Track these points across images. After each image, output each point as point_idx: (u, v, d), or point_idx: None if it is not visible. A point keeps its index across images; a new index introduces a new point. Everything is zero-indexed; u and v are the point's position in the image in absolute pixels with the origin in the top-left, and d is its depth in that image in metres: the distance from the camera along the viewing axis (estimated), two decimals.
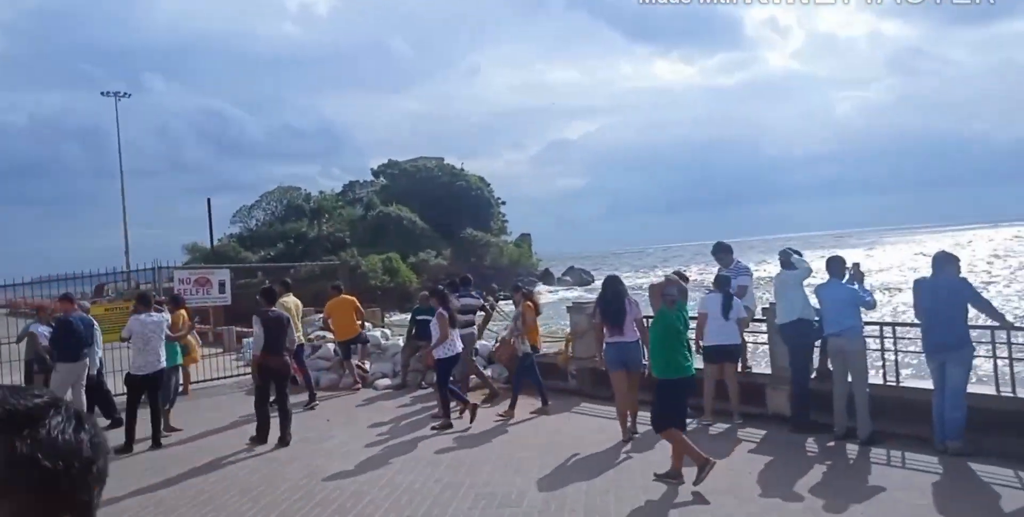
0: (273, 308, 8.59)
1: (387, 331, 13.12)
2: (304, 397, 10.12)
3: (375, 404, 10.24)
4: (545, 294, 60.21)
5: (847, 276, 7.24)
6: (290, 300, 10.54)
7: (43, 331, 9.39)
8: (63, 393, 8.73)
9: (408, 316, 13.06)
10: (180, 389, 10.61)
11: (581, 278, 76.87)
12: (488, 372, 10.50)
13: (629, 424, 7.38)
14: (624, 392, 7.35)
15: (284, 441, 8.05)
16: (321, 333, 12.19)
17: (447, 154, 73.15)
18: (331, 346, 11.94)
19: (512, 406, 8.77)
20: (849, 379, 6.84)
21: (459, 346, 8.85)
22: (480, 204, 69.56)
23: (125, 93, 49.29)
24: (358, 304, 11.67)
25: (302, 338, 10.39)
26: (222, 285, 12.67)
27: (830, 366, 7.34)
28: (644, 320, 7.79)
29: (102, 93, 48.94)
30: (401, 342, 11.84)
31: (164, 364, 8.49)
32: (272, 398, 8.37)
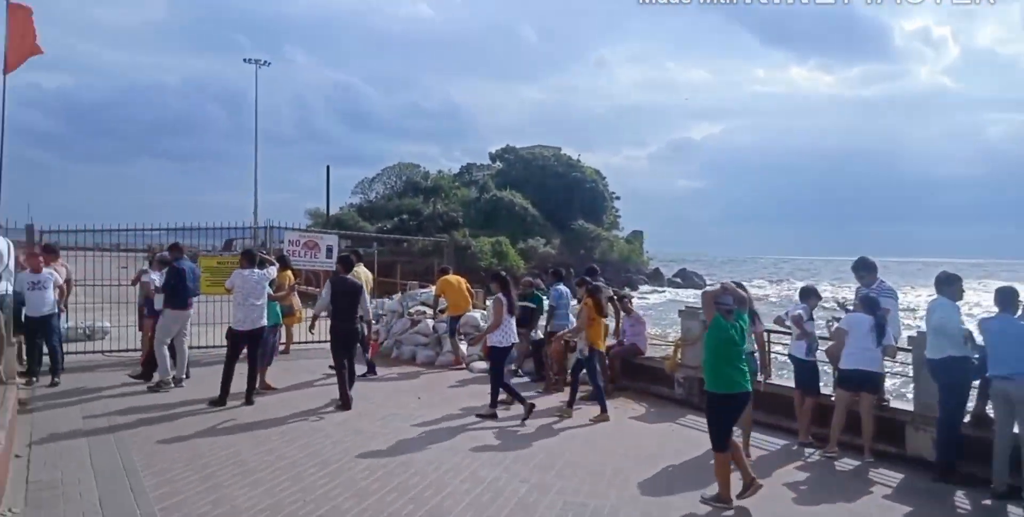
0: (349, 276, 8.64)
1: (487, 313, 12.72)
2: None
3: (468, 387, 9.86)
4: (641, 295, 59.20)
5: (1020, 311, 6.19)
6: (361, 271, 10.55)
7: (154, 277, 9.53)
8: (167, 338, 8.82)
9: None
10: (280, 348, 10.62)
11: (693, 281, 74.63)
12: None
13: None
14: None
15: (345, 404, 8.19)
16: (421, 308, 11.94)
17: (565, 145, 72.34)
18: (430, 322, 11.67)
19: (569, 404, 8.33)
20: (1016, 430, 5.82)
21: (515, 336, 8.45)
22: (594, 197, 68.58)
23: (265, 61, 51.52)
24: (467, 285, 11.41)
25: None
26: (330, 250, 12.64)
27: (990, 412, 6.30)
28: (765, 335, 7.42)
29: (244, 60, 51.26)
30: None
31: (265, 322, 8.40)
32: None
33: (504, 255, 53.07)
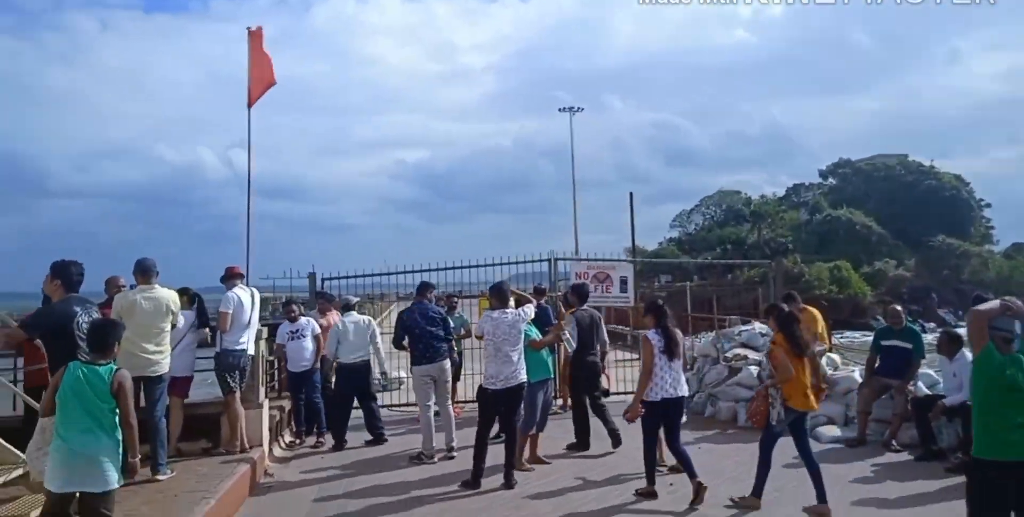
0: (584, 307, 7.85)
1: (835, 357, 9.44)
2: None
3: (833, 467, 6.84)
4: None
5: None
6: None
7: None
8: (426, 400, 7.41)
9: (869, 338, 9.34)
10: (555, 407, 8.67)
11: None
12: None
13: None
14: None
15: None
16: (742, 351, 9.16)
17: (913, 153, 62.15)
18: (753, 369, 8.81)
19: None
20: None
21: (681, 388, 6.06)
22: (956, 207, 58.00)
23: (578, 108, 51.65)
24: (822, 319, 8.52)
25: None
26: (624, 282, 10.52)
27: None
28: None
29: (559, 109, 52.08)
30: (858, 376, 8.19)
31: (524, 376, 6.47)
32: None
33: (845, 282, 46.56)
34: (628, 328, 18.71)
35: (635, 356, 15.15)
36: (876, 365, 7.67)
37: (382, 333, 8.56)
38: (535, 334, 7.06)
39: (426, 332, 7.39)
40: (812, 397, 5.71)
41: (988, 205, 61.59)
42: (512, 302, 6.66)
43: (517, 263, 10.56)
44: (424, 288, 7.96)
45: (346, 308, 8.32)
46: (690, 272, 44.52)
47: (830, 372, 8.40)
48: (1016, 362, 3.65)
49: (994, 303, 3.74)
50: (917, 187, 57.16)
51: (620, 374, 10.48)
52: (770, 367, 5.76)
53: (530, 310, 6.65)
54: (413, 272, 10.29)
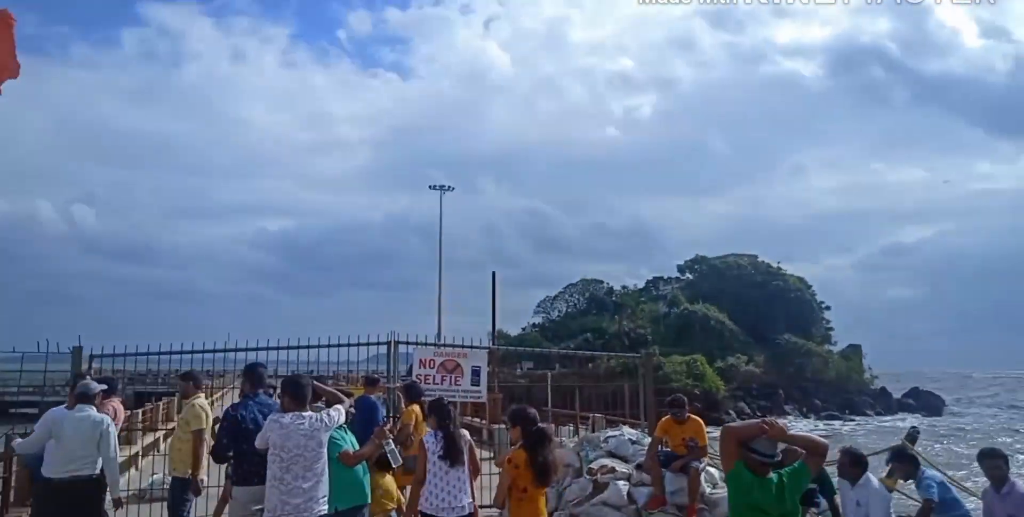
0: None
1: (713, 472, 8.17)
2: None
3: None
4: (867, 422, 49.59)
5: None
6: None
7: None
8: None
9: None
10: None
11: (929, 403, 63.13)
12: None
13: None
14: None
15: None
16: (608, 461, 7.71)
17: (761, 254, 66.10)
18: (623, 485, 7.34)
19: None
20: None
21: (461, 499, 5.12)
22: (801, 307, 61.42)
23: (449, 187, 50.25)
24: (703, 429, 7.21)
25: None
26: (475, 373, 8.94)
27: None
28: None
29: (430, 187, 50.33)
30: None
31: (321, 508, 4.64)
32: None
33: (701, 376, 47.18)
34: (484, 421, 17.05)
35: (490, 455, 13.49)
36: None
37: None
38: (350, 444, 5.27)
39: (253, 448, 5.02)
40: None
41: (828, 307, 65.54)
42: (319, 402, 4.94)
43: (350, 346, 8.74)
44: (260, 375, 5.75)
45: (82, 398, 5.71)
46: (552, 359, 43.70)
47: (709, 490, 7.09)
48: (765, 485, 3.50)
49: (751, 423, 3.62)
50: (766, 287, 60.09)
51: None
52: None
53: (338, 413, 4.90)
54: (220, 351, 8.30)
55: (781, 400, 52.39)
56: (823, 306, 64.84)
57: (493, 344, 26.94)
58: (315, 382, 5.20)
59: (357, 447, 5.30)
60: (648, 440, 8.00)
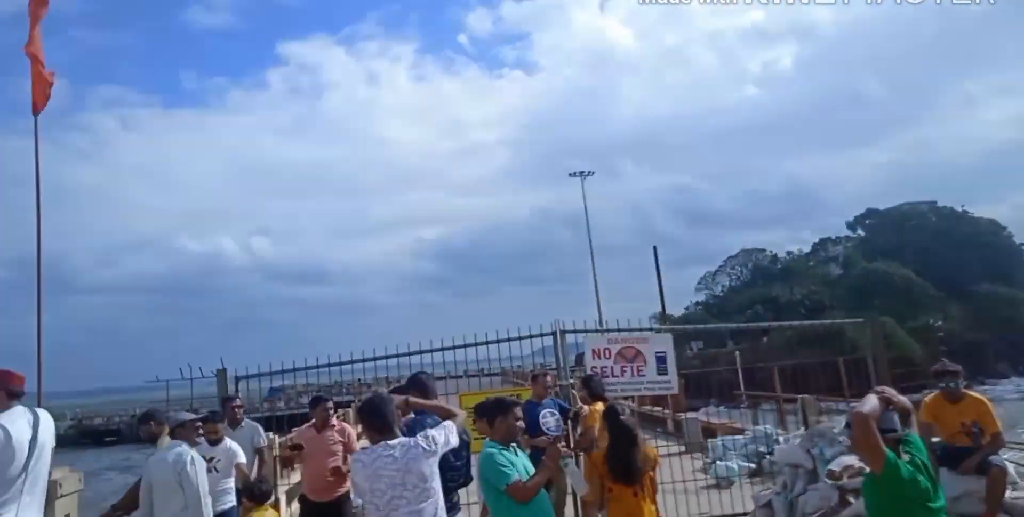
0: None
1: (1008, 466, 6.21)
2: None
3: None
4: None
5: None
6: None
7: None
8: None
9: None
10: None
11: None
12: None
13: None
14: None
15: None
16: (855, 462, 5.99)
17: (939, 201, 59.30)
18: None
19: None
20: None
21: None
22: (998, 253, 54.62)
23: (590, 172, 48.98)
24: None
25: None
26: (661, 360, 7.48)
27: None
28: None
29: (570, 174, 49.19)
30: None
31: None
32: None
33: (890, 340, 42.75)
34: (668, 411, 15.51)
35: (681, 448, 12.04)
36: None
37: None
38: (522, 470, 3.99)
39: (442, 470, 3.77)
40: None
41: None
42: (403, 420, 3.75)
43: (511, 340, 7.58)
44: (428, 387, 4.43)
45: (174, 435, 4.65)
46: (724, 337, 41.19)
47: (1011, 494, 5.24)
48: (918, 468, 3.04)
49: (872, 399, 3.10)
50: (953, 234, 53.91)
51: (666, 469, 7.38)
52: None
53: (444, 432, 3.57)
54: (365, 361, 7.39)
55: (992, 359, 46.79)
56: None
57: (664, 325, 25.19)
58: (412, 398, 4.00)
59: (530, 472, 4.04)
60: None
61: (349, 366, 7.34)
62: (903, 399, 3.26)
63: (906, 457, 3.10)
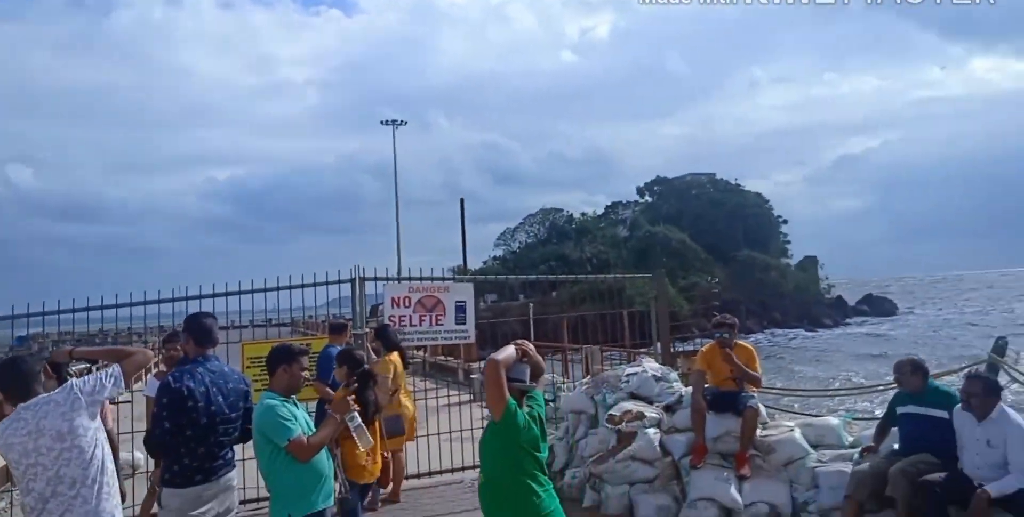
0: None
1: (760, 407, 6.90)
2: None
3: None
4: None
5: None
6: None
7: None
8: None
9: None
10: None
11: (883, 308, 64.77)
12: None
13: None
14: None
15: None
16: (632, 406, 6.38)
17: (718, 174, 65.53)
18: (653, 434, 6.01)
19: None
20: None
21: None
22: (759, 223, 61.35)
23: (402, 121, 48.01)
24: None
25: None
26: (460, 309, 7.50)
27: None
28: None
29: (382, 122, 48.09)
30: (799, 435, 5.73)
31: None
32: None
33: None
34: (459, 361, 15.80)
35: (469, 397, 12.26)
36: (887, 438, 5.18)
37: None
38: (303, 424, 3.73)
39: (215, 423, 3.70)
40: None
41: (785, 221, 65.67)
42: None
43: (304, 286, 7.18)
44: (207, 329, 3.94)
45: None
46: (515, 290, 42.64)
47: (761, 433, 5.85)
48: (533, 419, 3.24)
49: (509, 349, 3.27)
50: (725, 204, 59.62)
51: (455, 417, 7.52)
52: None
53: (96, 379, 3.11)
54: (134, 304, 6.64)
55: (744, 316, 52.78)
56: (780, 220, 64.94)
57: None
58: (77, 348, 3.60)
59: (313, 428, 3.81)
60: (674, 375, 6.74)
61: (114, 311, 6.53)
62: (539, 358, 3.40)
63: (526, 409, 3.24)
